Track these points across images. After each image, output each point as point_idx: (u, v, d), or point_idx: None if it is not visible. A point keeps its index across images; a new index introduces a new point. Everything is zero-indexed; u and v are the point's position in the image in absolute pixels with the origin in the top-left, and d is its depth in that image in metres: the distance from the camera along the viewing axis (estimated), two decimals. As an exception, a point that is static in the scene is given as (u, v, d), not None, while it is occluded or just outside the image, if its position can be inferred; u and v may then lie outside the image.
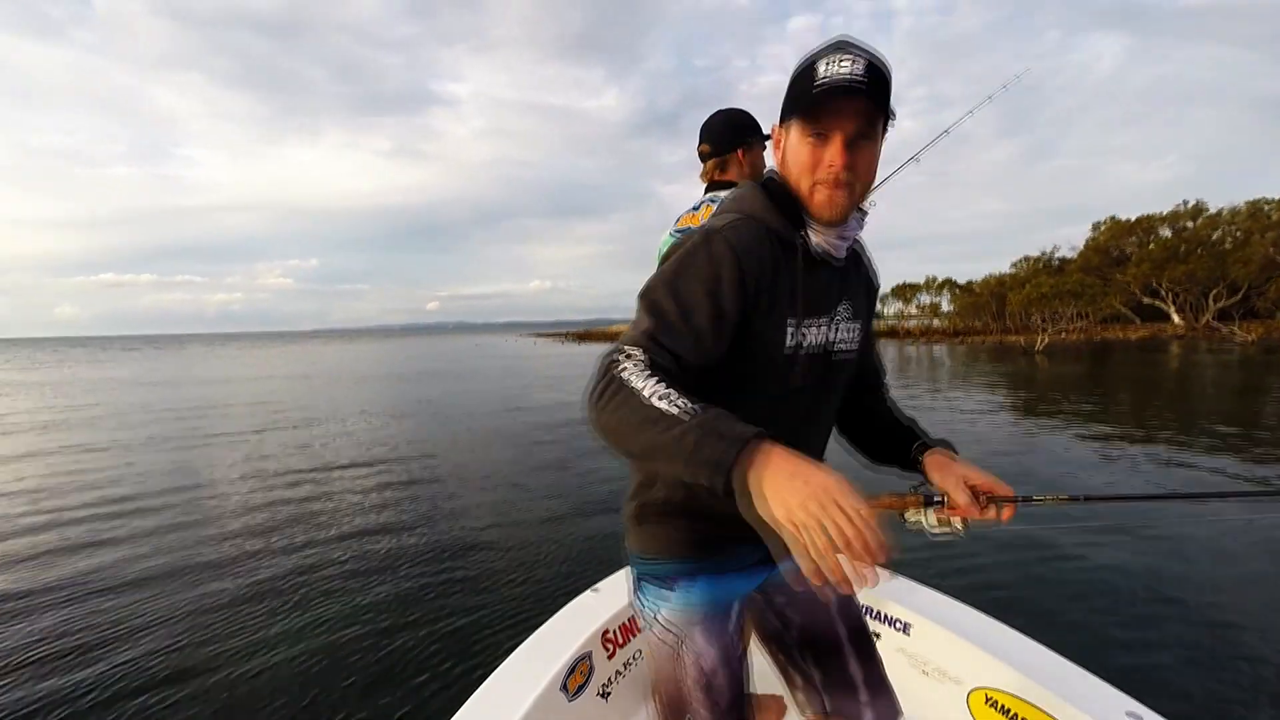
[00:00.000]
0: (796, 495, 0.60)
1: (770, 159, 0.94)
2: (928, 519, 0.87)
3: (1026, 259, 48.81)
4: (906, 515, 0.87)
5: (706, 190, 1.78)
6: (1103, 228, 44.19)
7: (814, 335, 0.91)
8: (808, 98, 0.79)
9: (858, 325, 0.99)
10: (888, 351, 30.27)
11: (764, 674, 1.22)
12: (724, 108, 1.81)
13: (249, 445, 9.05)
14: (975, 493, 0.87)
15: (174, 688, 2.78)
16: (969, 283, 48.16)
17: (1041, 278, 37.68)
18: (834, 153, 0.82)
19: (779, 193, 0.89)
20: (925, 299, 50.47)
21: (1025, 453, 7.38)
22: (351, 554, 4.48)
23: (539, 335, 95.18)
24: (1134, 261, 38.72)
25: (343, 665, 2.92)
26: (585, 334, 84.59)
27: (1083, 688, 1.34)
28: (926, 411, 10.81)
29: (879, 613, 1.82)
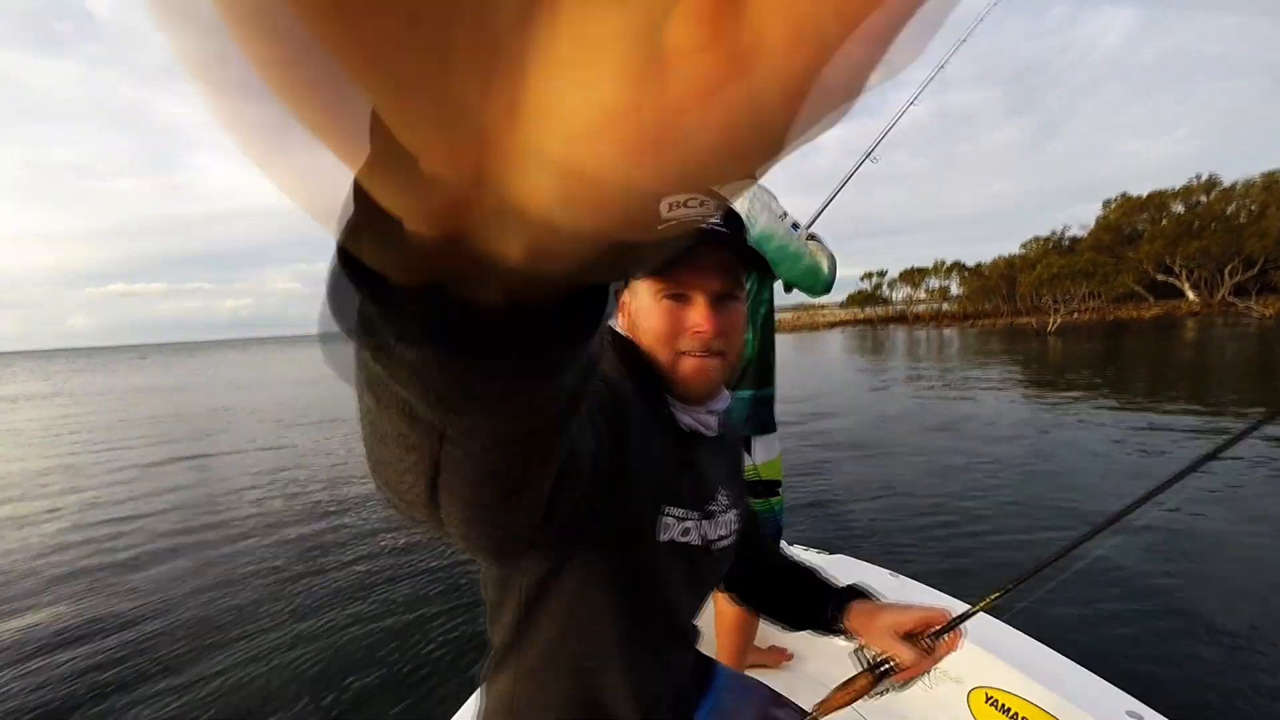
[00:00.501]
0: None
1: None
2: (889, 689, 0.81)
3: (1036, 239, 48.17)
4: (867, 699, 0.82)
5: None
6: (1114, 205, 43.46)
7: (684, 527, 0.72)
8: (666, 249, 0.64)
9: (736, 512, 0.82)
10: (897, 336, 30.03)
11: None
12: None
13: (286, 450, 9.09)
14: (913, 637, 0.80)
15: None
16: (978, 265, 47.65)
17: (1052, 258, 37.24)
18: (699, 315, 0.69)
19: (635, 357, 0.72)
20: (934, 283, 50.00)
21: (1036, 439, 7.24)
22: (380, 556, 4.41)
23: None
24: (1146, 239, 38.09)
25: (372, 660, 2.92)
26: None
27: (1083, 686, 1.34)
28: (939, 398, 10.66)
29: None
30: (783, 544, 1.94)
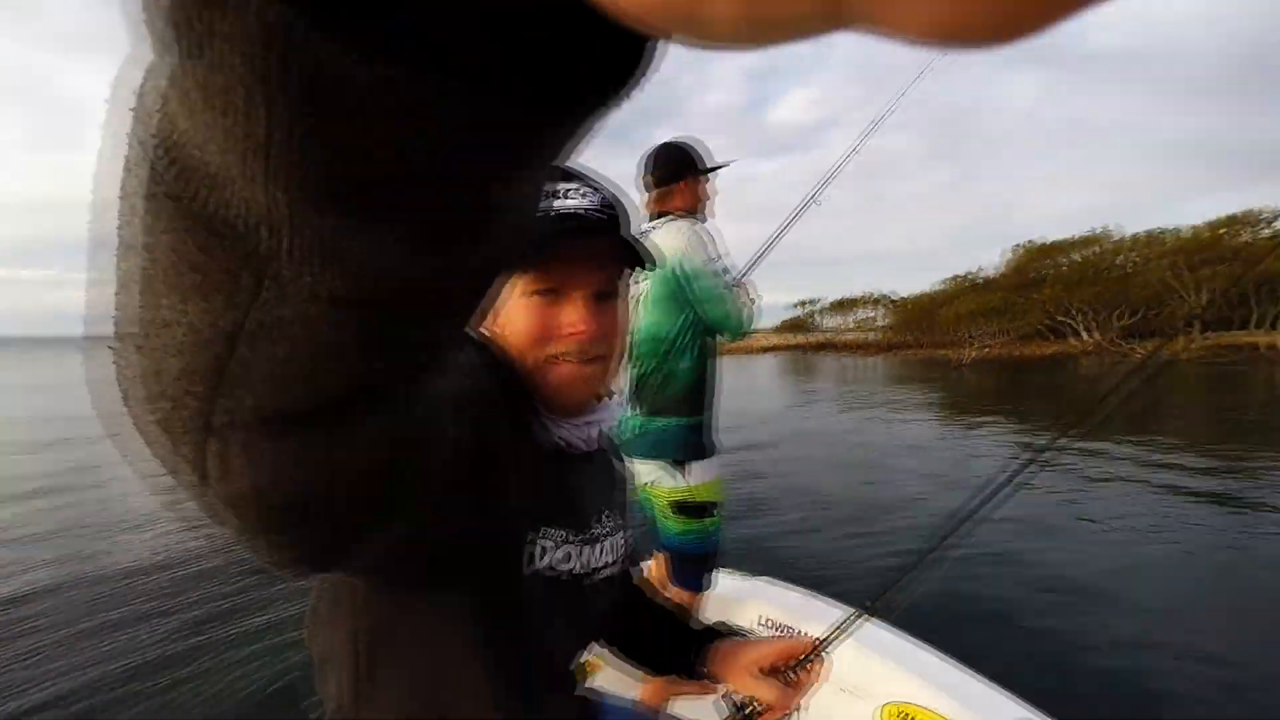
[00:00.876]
0: None
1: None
2: None
3: (955, 277, 51.62)
4: None
5: (651, 219, 1.83)
6: (1021, 251, 47.23)
7: (563, 553, 0.63)
8: (543, 234, 0.56)
9: (621, 536, 0.75)
10: (825, 363, 31.31)
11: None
12: (668, 140, 1.84)
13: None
14: (776, 671, 0.76)
15: None
16: (902, 299, 50.47)
17: (968, 296, 39.89)
18: (575, 315, 0.60)
19: (499, 362, 0.62)
20: (862, 314, 52.49)
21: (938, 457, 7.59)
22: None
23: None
24: (1049, 283, 41.49)
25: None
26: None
27: (979, 695, 1.44)
28: (866, 416, 11.06)
29: (799, 632, 1.82)
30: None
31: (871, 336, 50.63)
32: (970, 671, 1.50)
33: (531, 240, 0.54)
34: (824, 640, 0.78)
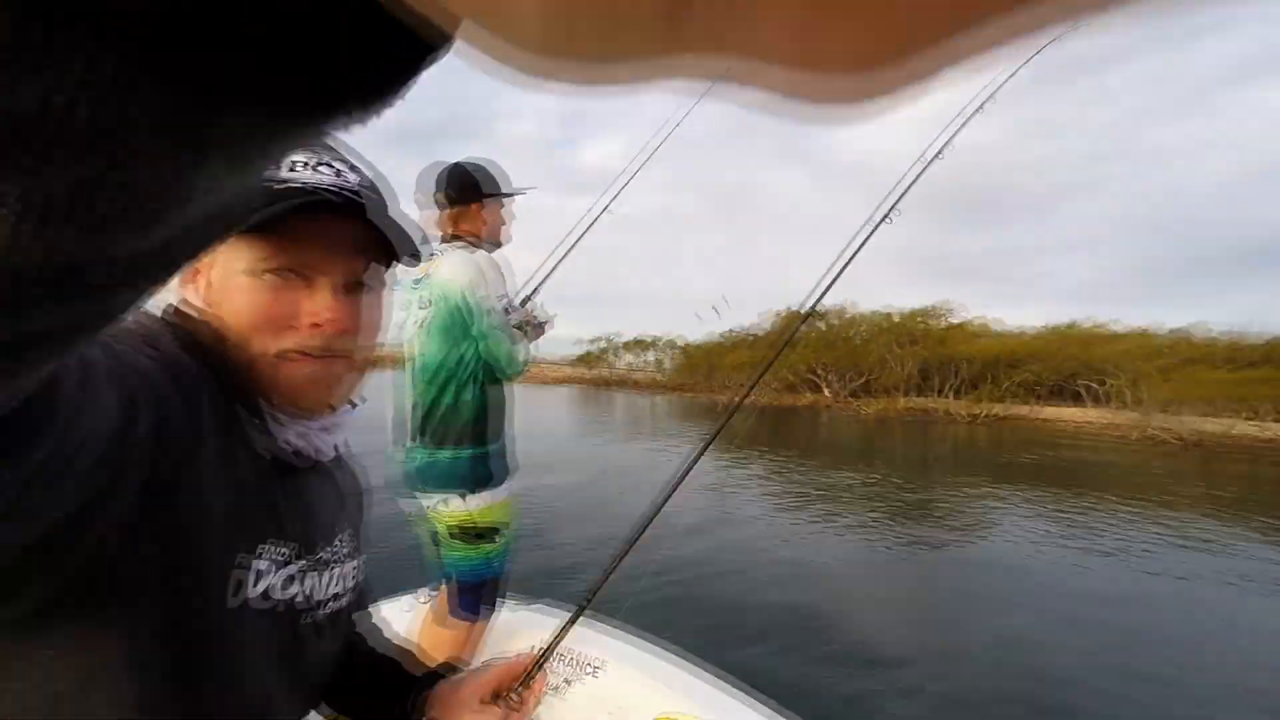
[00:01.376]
0: None
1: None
2: None
3: (731, 332, 58.12)
4: None
5: (444, 239, 1.81)
6: (782, 315, 55.12)
7: (275, 581, 0.51)
8: (268, 205, 0.46)
9: (355, 564, 0.65)
10: (615, 400, 32.66)
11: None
12: (462, 159, 1.77)
13: None
14: (498, 697, 0.72)
15: None
16: (687, 345, 55.14)
17: (742, 350, 45.08)
18: (322, 303, 0.51)
19: (210, 346, 0.50)
20: (652, 355, 56.00)
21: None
22: None
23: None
24: (803, 345, 48.88)
25: None
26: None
27: (738, 705, 1.58)
28: (647, 447, 11.52)
29: (574, 656, 1.89)
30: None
31: (660, 377, 54.23)
32: (728, 679, 1.64)
33: (265, 208, 0.46)
34: (543, 652, 0.78)
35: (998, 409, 36.76)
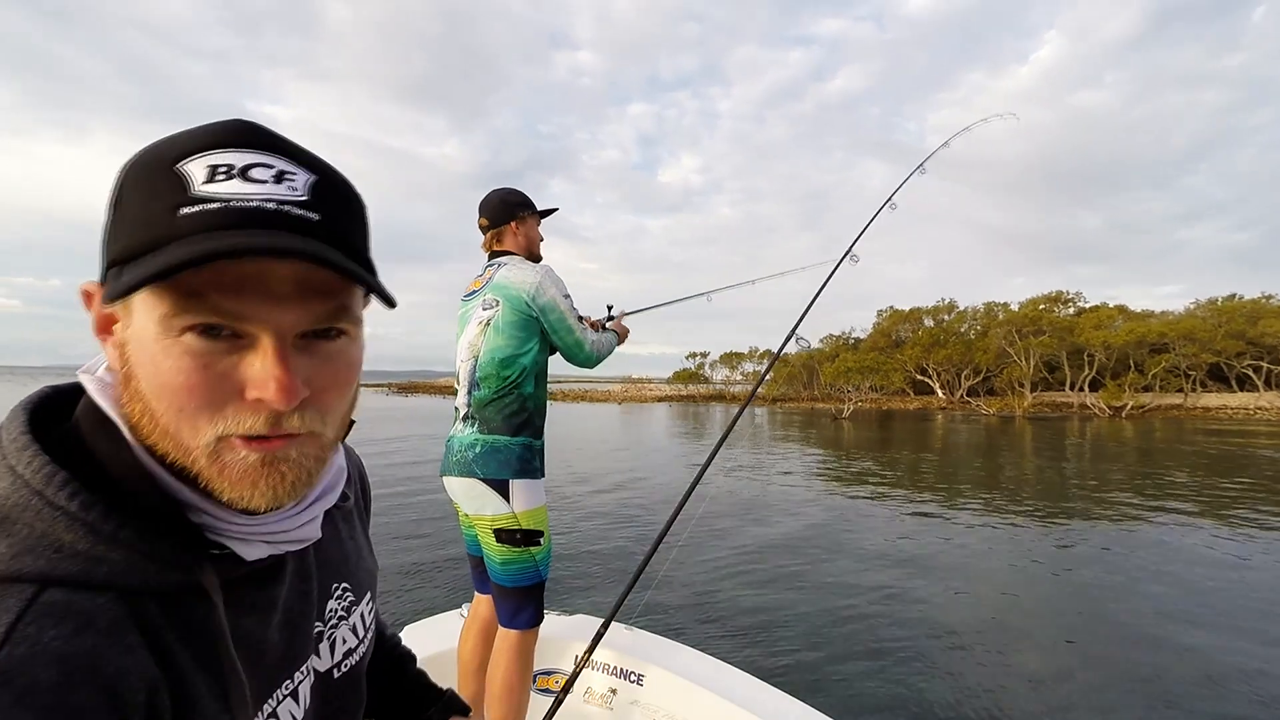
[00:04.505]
0: None
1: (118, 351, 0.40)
2: None
3: (831, 336, 56.14)
4: None
5: (490, 258, 1.98)
6: (885, 316, 52.51)
7: (301, 692, 0.49)
8: (182, 241, 0.34)
9: (368, 598, 0.59)
10: (713, 414, 32.41)
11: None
12: (497, 187, 2.01)
13: None
14: None
15: None
16: (785, 354, 53.86)
17: (846, 354, 43.38)
18: (264, 368, 0.37)
19: (125, 471, 0.38)
20: (749, 367, 55.22)
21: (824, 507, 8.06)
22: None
23: (376, 387, 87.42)
24: (909, 345, 46.31)
25: None
26: (409, 385, 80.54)
27: (757, 691, 1.59)
28: (758, 464, 11.47)
29: (615, 667, 1.90)
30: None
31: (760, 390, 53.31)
32: (782, 691, 1.63)
33: (182, 241, 0.34)
34: (558, 697, 0.83)
35: (1145, 399, 32.84)
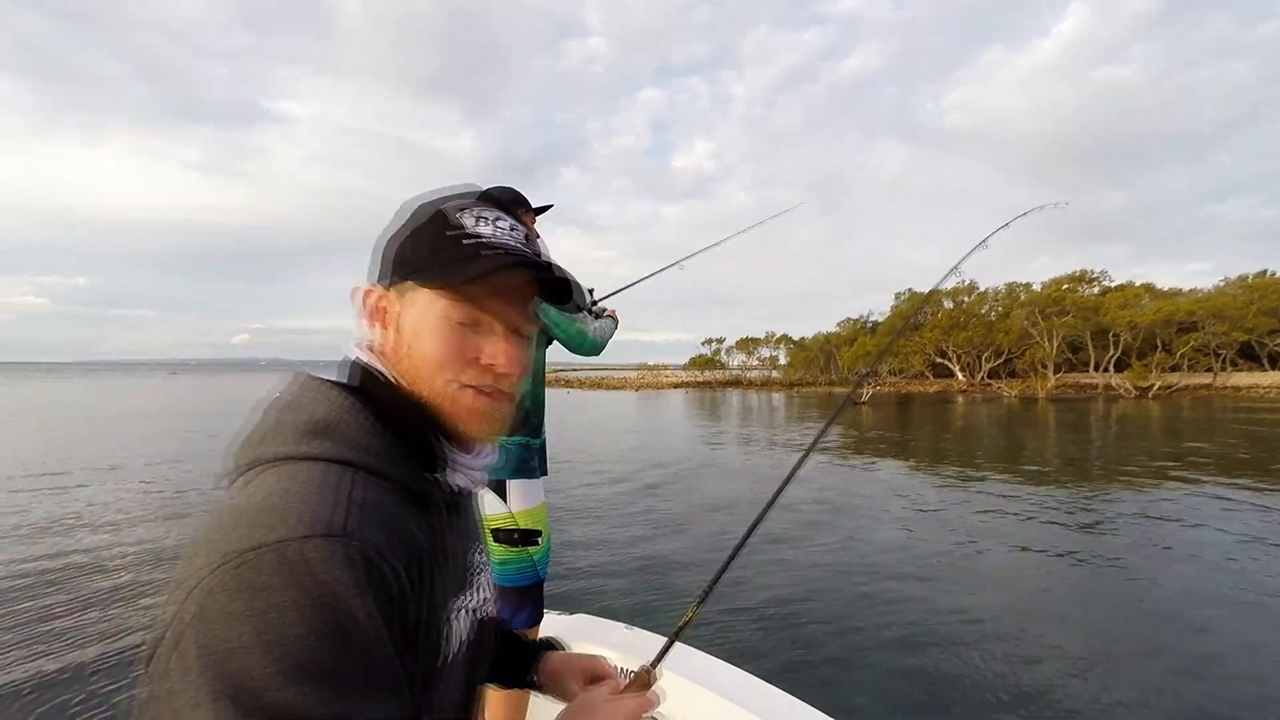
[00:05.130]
0: None
1: (364, 331, 0.61)
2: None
3: (849, 320, 55.54)
4: None
5: None
6: (904, 298, 51.79)
7: (465, 616, 0.59)
8: (463, 262, 0.54)
9: (489, 561, 0.72)
10: (730, 400, 32.36)
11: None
12: (491, 186, 1.96)
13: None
14: (597, 679, 0.79)
15: None
16: (802, 339, 53.49)
17: (864, 338, 42.98)
18: (498, 348, 0.57)
19: (397, 405, 0.56)
20: (765, 352, 54.98)
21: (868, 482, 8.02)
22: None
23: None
24: (928, 327, 45.68)
25: None
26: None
27: (784, 708, 1.54)
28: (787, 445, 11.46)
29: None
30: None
31: (774, 374, 52.99)
32: (809, 705, 1.56)
33: (465, 260, 0.54)
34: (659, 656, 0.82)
35: (1173, 379, 32.15)
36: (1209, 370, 33.55)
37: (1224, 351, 33.57)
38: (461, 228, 0.55)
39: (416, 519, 0.52)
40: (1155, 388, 31.27)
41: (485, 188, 2.06)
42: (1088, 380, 36.64)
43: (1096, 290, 40.64)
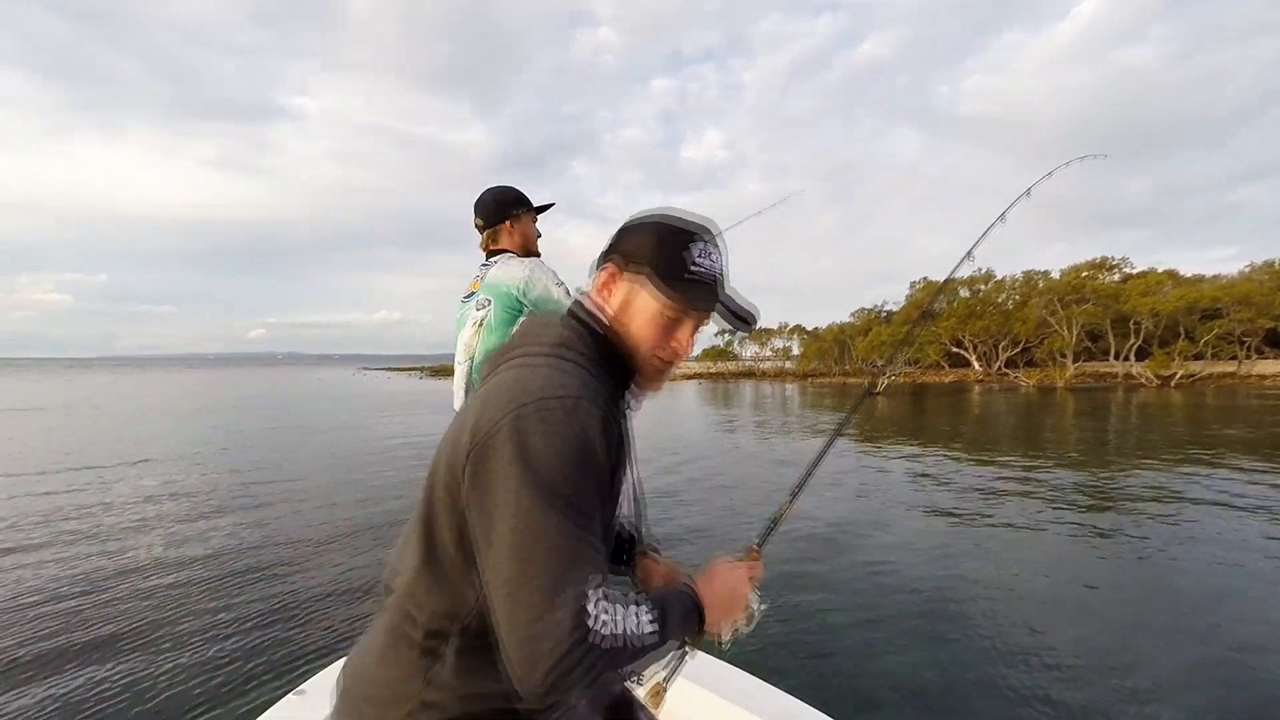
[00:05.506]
0: (733, 611, 0.86)
1: (597, 297, 0.86)
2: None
3: (863, 310, 54.96)
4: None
5: (488, 257, 1.99)
6: (919, 287, 51.14)
7: (623, 496, 0.86)
8: (689, 279, 0.80)
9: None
10: (743, 391, 32.29)
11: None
12: (492, 185, 1.99)
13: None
14: None
15: None
16: (815, 329, 53.05)
17: (880, 327, 42.56)
18: (686, 337, 0.83)
19: (612, 345, 0.83)
20: (779, 343, 54.62)
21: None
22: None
23: (391, 370, 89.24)
24: (944, 316, 45.08)
25: None
26: (441, 369, 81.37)
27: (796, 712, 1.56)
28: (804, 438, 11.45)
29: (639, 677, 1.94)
30: None
31: (788, 365, 52.67)
32: (811, 706, 1.59)
33: (689, 277, 0.79)
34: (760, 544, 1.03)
35: (1195, 367, 31.53)
36: (1233, 358, 32.85)
37: (1249, 339, 32.82)
38: (693, 257, 0.79)
39: (617, 428, 0.75)
40: (1177, 376, 30.72)
41: (489, 186, 2.02)
42: (1107, 369, 36.07)
43: (1117, 277, 39.86)
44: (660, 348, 0.82)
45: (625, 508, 0.87)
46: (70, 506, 6.77)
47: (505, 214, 1.96)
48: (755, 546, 0.97)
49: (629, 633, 0.65)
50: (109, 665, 3.18)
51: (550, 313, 0.86)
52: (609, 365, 0.81)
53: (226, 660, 3.25)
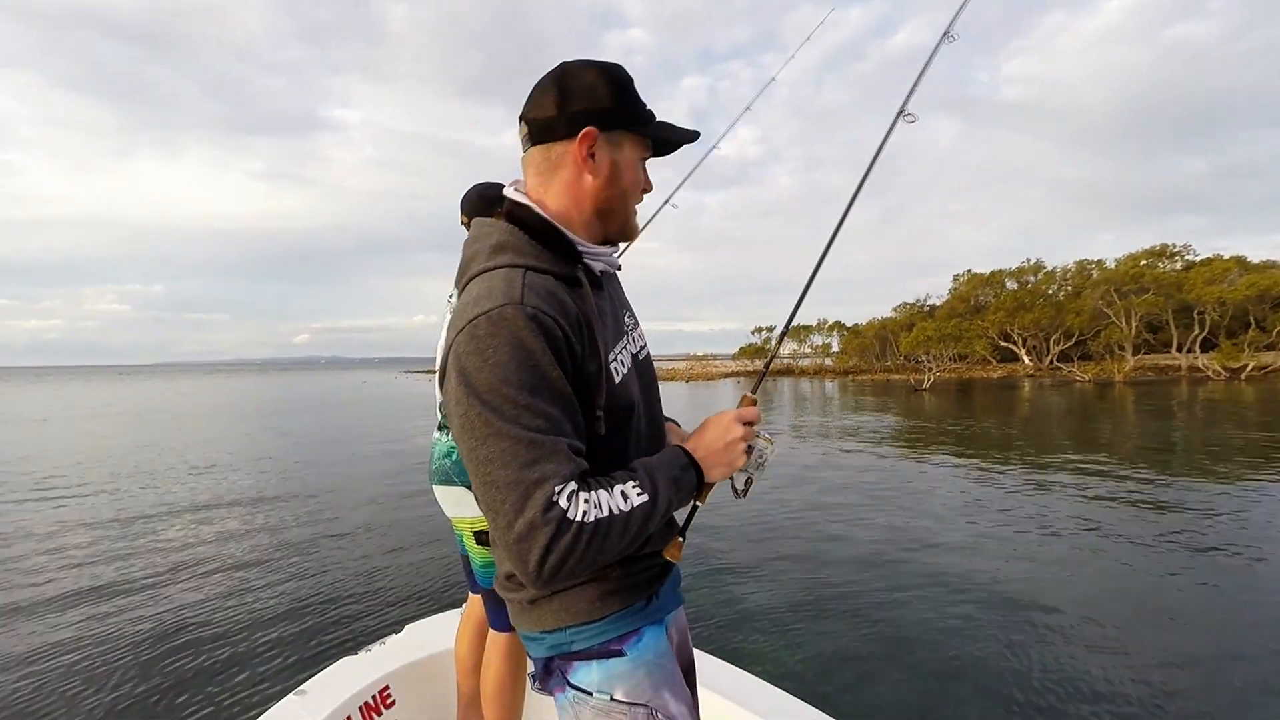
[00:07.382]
0: (728, 456, 0.85)
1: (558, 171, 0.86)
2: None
3: (905, 304, 53.54)
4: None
5: None
6: (964, 279, 49.52)
7: (625, 358, 0.88)
8: (653, 123, 0.85)
9: (640, 328, 1.01)
10: (781, 388, 31.82)
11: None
12: (477, 182, 2.02)
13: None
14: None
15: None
16: (855, 325, 51.93)
17: (924, 322, 41.32)
18: (646, 176, 0.89)
19: (539, 228, 0.83)
20: (818, 339, 53.71)
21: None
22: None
23: (432, 372, 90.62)
24: (991, 310, 43.57)
25: None
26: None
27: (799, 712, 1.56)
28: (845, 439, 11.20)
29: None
30: None
31: (828, 362, 51.72)
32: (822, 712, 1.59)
33: (652, 122, 0.85)
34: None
35: (1267, 359, 29.58)
36: (1311, 349, 30.73)
37: (1328, 328, 30.64)
38: (638, 95, 0.84)
39: (570, 294, 0.78)
40: (1248, 369, 28.91)
41: (474, 185, 2.02)
42: (1169, 362, 34.23)
43: (1179, 265, 37.77)
44: (638, 191, 0.87)
45: (633, 344, 0.93)
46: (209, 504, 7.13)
47: (491, 210, 1.91)
48: (751, 396, 0.96)
49: (615, 510, 0.70)
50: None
51: (483, 221, 0.87)
52: (546, 242, 0.81)
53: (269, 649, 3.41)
